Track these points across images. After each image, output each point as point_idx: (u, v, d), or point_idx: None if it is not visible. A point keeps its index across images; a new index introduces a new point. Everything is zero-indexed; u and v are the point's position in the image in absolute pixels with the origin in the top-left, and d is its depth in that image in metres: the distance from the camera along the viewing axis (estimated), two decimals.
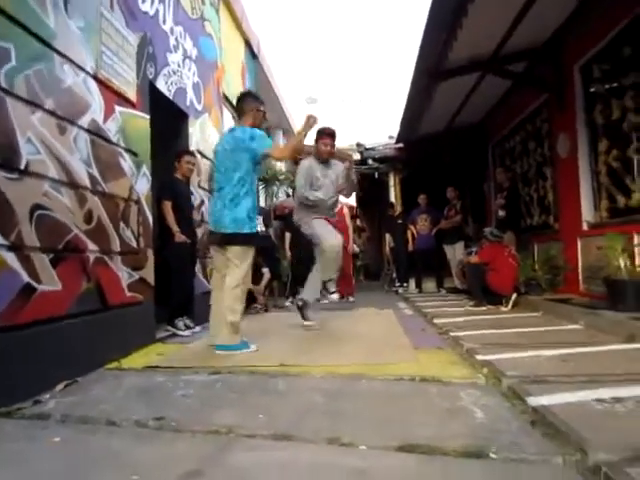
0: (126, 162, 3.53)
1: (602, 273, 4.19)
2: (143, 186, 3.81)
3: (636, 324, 3.17)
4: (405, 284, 8.71)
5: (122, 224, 3.43)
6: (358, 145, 9.80)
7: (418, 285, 8.37)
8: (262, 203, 10.32)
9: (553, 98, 5.57)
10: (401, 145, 8.74)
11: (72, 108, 2.88)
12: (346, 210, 7.25)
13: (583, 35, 4.82)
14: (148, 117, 3.95)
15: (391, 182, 9.63)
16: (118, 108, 3.45)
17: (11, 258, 2.33)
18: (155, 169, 4.11)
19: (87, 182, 3.00)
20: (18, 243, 2.37)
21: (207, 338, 3.74)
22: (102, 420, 1.93)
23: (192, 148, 4.99)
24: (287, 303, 6.75)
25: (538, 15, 4.59)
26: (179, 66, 4.71)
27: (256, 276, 5.81)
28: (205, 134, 5.43)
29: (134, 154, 3.66)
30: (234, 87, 6.89)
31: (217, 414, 1.95)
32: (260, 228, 6.45)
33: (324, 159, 4.41)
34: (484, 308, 5.15)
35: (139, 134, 3.78)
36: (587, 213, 4.99)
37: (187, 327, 4.35)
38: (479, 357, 2.80)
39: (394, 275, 9.19)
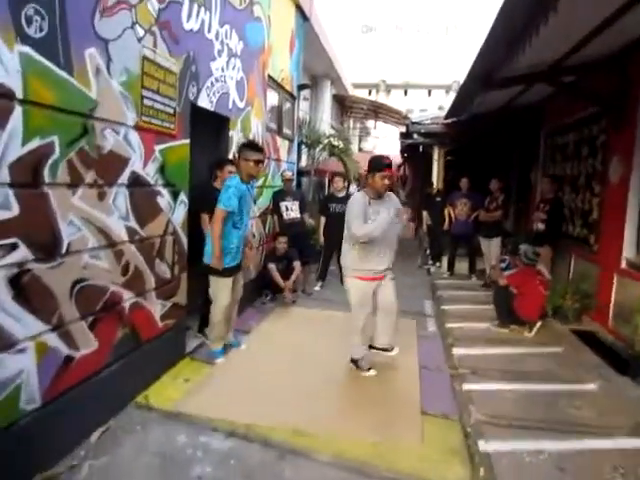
0: (163, 198, 3.62)
1: (633, 319, 4.12)
2: (180, 213, 3.91)
3: None
4: (438, 263, 8.80)
5: (157, 260, 3.59)
6: (405, 117, 9.42)
7: (450, 268, 8.39)
8: (303, 163, 10.28)
9: (611, 114, 5.15)
10: (449, 121, 8.34)
11: (112, 170, 2.95)
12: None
13: None
14: (188, 141, 3.95)
15: (435, 156, 9.32)
16: (157, 147, 3.47)
17: (52, 339, 2.55)
18: (192, 178, 4.12)
19: (125, 236, 3.13)
20: (59, 323, 2.58)
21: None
22: None
23: (232, 151, 4.99)
24: (317, 287, 6.93)
25: (617, 28, 4.08)
26: (223, 70, 4.59)
27: (287, 270, 5.99)
28: (246, 130, 5.37)
29: (172, 185, 3.73)
30: (281, 62, 6.67)
31: None
32: (295, 215, 6.55)
33: (380, 194, 3.80)
34: (507, 330, 5.19)
35: (178, 163, 3.81)
36: (628, 250, 4.77)
37: None
38: (481, 445, 2.93)
39: (428, 252, 9.24)
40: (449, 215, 8.19)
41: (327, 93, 12.34)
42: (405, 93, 26.23)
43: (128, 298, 3.23)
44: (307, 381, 3.84)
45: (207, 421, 3.12)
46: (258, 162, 3.90)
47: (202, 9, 4.01)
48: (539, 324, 5.10)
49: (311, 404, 3.46)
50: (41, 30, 2.23)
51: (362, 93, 24.06)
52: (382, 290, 4.01)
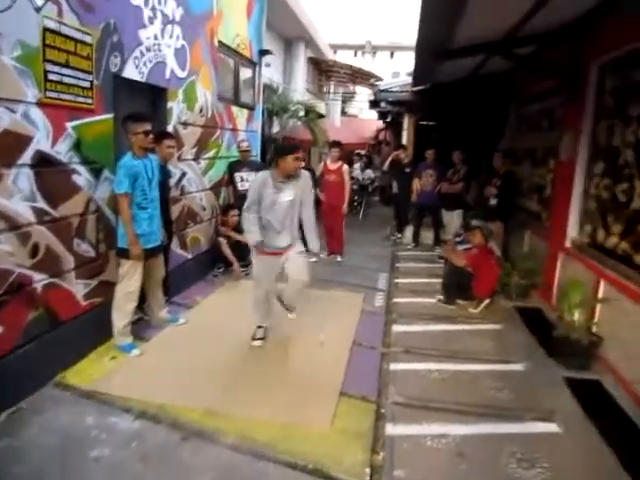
0: (82, 176, 3.52)
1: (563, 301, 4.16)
2: (105, 190, 3.81)
3: (562, 394, 3.39)
4: (400, 235, 8.81)
5: (77, 240, 3.52)
6: (372, 85, 9.18)
7: (415, 239, 8.40)
8: (275, 129, 10.06)
9: (566, 88, 5.00)
10: (416, 89, 8.14)
11: (10, 151, 2.85)
12: (345, 167, 7.03)
13: (611, 30, 4.09)
14: (111, 115, 3.82)
15: (405, 125, 9.14)
16: (71, 124, 3.36)
17: None
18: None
19: (31, 218, 3.06)
20: None
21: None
22: None
23: (172, 124, 4.86)
24: None
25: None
26: (156, 39, 4.40)
27: (238, 243, 5.92)
28: (191, 101, 5.21)
29: (92, 162, 3.63)
30: (236, 27, 6.44)
31: None
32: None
33: (289, 175, 3.80)
34: (453, 307, 5.21)
35: (99, 139, 3.69)
36: (572, 230, 4.76)
37: None
38: (388, 428, 2.99)
39: (394, 223, 9.21)
40: (416, 187, 8.13)
41: (301, 56, 11.96)
42: (391, 55, 25.49)
43: (40, 279, 3.19)
44: (234, 359, 3.87)
45: (121, 401, 3.14)
46: (147, 133, 3.64)
47: None
48: (487, 301, 5.14)
49: (232, 383, 3.49)
50: None
51: (347, 54, 23.44)
52: (289, 263, 4.01)
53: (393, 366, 3.86)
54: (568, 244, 4.82)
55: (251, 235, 3.84)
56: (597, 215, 4.31)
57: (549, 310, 5.00)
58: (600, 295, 3.94)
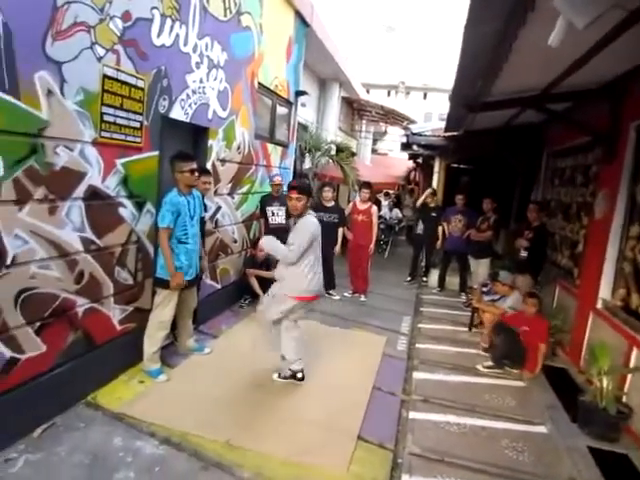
0: (127, 209, 3.76)
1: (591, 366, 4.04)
2: (146, 222, 4.04)
3: (585, 464, 3.25)
4: (425, 279, 8.78)
5: (117, 268, 3.74)
6: (405, 128, 9.42)
7: (441, 284, 8.38)
8: (307, 165, 10.36)
9: (602, 145, 5.01)
10: (448, 135, 8.31)
11: (66, 185, 3.10)
12: (374, 209, 7.18)
13: None
14: (157, 153, 4.09)
15: (436, 168, 9.29)
16: (120, 160, 3.61)
17: None
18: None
19: (79, 247, 3.28)
20: (1, 329, 2.76)
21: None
22: None
23: (211, 160, 5.12)
24: None
25: (604, 58, 3.95)
26: (202, 82, 4.70)
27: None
28: (230, 139, 5.50)
29: (137, 196, 3.88)
30: (275, 69, 6.76)
31: None
32: (281, 220, 6.65)
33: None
34: (500, 370, 4.88)
35: (144, 175, 3.94)
36: (604, 291, 4.62)
37: None
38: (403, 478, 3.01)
39: (423, 264, 9.21)
40: (443, 231, 8.15)
41: (335, 96, 12.38)
42: (424, 96, 25.96)
43: (82, 304, 3.39)
44: (255, 392, 3.96)
45: (147, 425, 3.27)
46: (193, 171, 3.91)
47: (177, 24, 4.13)
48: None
49: (251, 417, 3.57)
50: None
51: (381, 94, 23.97)
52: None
53: (412, 415, 3.85)
54: (599, 305, 4.65)
55: None
56: (632, 279, 4.17)
57: (576, 372, 4.82)
58: (632, 363, 3.81)
